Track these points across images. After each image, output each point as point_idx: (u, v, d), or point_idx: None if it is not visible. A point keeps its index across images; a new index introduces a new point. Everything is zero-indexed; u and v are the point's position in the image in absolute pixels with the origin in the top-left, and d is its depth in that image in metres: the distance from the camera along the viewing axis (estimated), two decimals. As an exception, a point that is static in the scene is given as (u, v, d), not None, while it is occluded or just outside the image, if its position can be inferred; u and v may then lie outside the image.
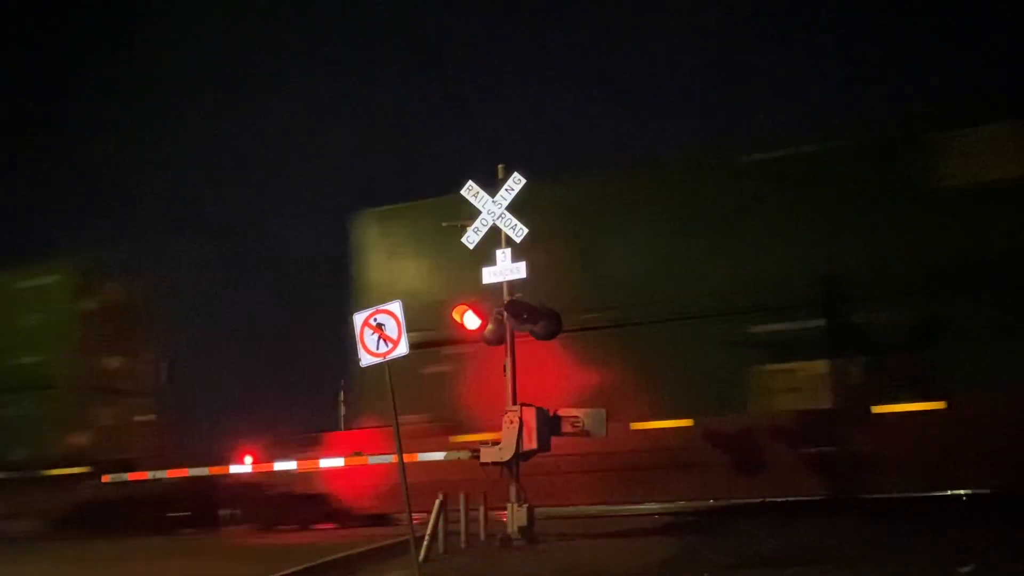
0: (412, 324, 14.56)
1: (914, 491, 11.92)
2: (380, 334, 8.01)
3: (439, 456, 11.38)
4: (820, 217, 12.49)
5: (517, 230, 10.78)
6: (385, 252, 15.85)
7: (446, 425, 13.74)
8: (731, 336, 12.51)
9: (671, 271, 13.10)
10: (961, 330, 11.33)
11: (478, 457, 10.52)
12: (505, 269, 10.83)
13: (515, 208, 10.89)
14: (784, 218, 12.69)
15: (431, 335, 13.50)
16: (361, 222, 16.20)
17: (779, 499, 12.69)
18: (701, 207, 13.22)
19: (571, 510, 13.13)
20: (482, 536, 10.31)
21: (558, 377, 12.70)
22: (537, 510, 10.48)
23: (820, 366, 12.25)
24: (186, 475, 13.40)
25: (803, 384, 12.18)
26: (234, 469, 13.11)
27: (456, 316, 10.92)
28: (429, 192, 15.79)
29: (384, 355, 8.00)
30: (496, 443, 10.35)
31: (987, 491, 11.58)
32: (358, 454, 12.47)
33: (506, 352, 10.75)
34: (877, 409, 11.61)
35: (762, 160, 13.10)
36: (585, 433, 10.51)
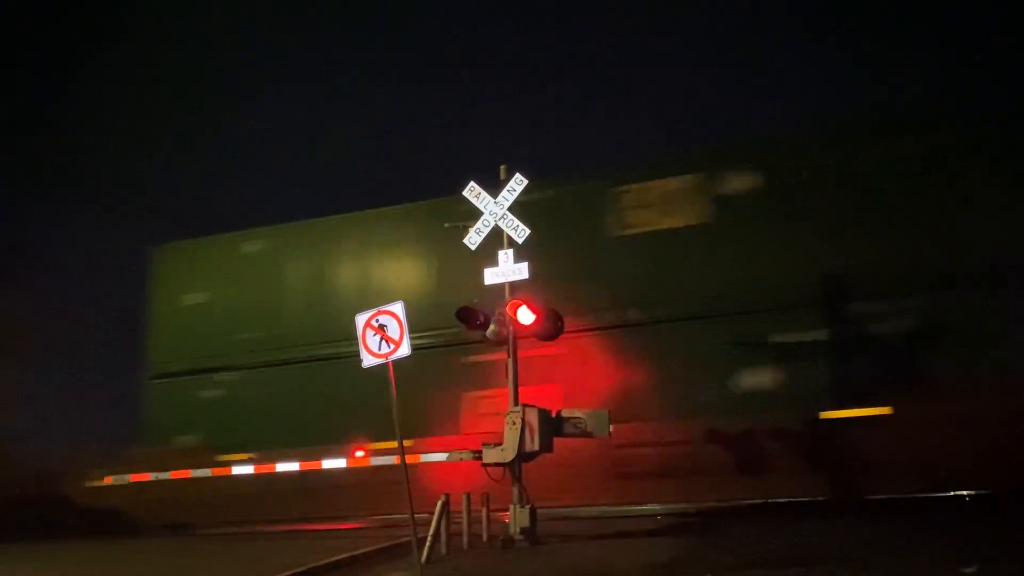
0: (196, 351, 16.71)
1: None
2: (382, 335, 8.01)
3: (441, 457, 11.38)
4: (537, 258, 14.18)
5: (519, 231, 10.79)
6: (178, 285, 17.21)
7: (217, 447, 15.14)
8: (447, 366, 14.14)
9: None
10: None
11: (480, 458, 10.52)
12: (507, 270, 10.83)
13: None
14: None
15: (209, 362, 15.92)
16: (157, 256, 17.50)
17: (782, 500, 12.76)
18: (422, 253, 15.33)
19: (571, 511, 13.17)
20: (484, 537, 10.31)
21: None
22: (540, 511, 10.49)
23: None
24: (188, 476, 13.43)
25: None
26: (237, 470, 13.13)
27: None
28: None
29: (386, 356, 8.00)
30: (498, 444, 10.35)
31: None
32: (361, 455, 12.48)
33: (508, 352, 10.74)
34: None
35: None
36: (587, 434, 10.52)
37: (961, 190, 12.20)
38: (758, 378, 12.62)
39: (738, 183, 13.32)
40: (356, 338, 8.14)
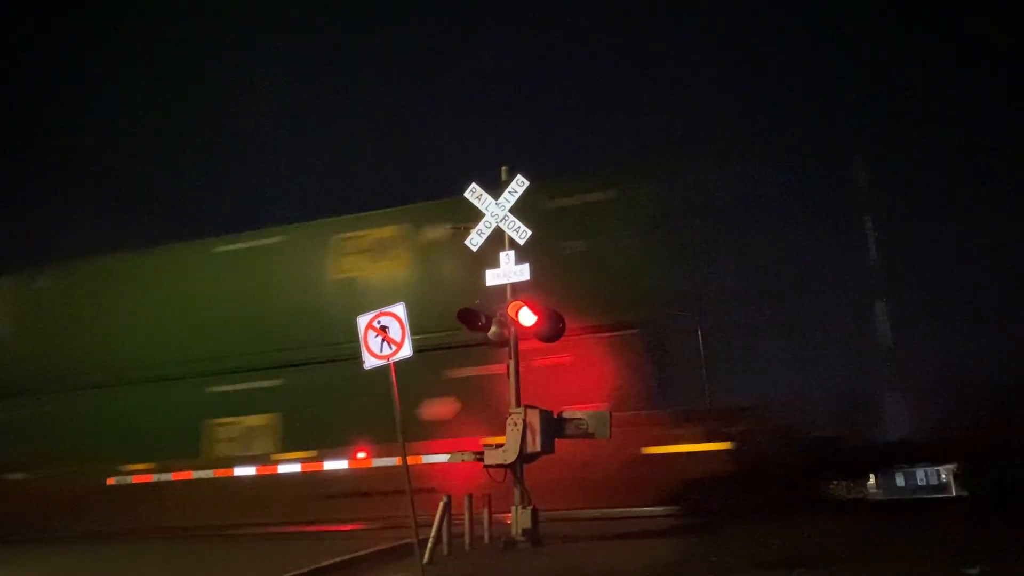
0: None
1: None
2: (384, 336, 8.01)
3: (443, 458, 11.39)
4: (269, 296, 15.76)
5: (521, 232, 10.80)
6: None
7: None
8: (191, 395, 15.60)
9: (148, 343, 16.43)
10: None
11: (482, 459, 10.51)
12: (509, 271, 10.83)
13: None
14: (244, 297, 16.01)
15: (22, 386, 17.21)
16: None
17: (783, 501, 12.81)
18: (178, 289, 16.75)
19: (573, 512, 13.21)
20: (486, 538, 10.31)
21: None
22: (542, 512, 10.49)
23: (255, 420, 15.29)
24: (190, 477, 13.46)
25: (240, 435, 15.18)
26: (238, 471, 13.14)
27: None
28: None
29: (387, 357, 8.00)
30: (499, 445, 10.34)
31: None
32: (362, 456, 12.49)
33: (509, 354, 10.74)
34: (276, 456, 14.68)
35: (229, 250, 16.56)
36: (589, 435, 10.51)
37: (604, 246, 13.90)
38: (439, 408, 14.14)
39: (433, 235, 15.08)
40: (358, 339, 8.13)
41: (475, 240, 11.03)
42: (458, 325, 13.11)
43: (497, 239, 10.86)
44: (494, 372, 13.26)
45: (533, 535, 10.10)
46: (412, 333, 13.86)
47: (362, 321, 8.14)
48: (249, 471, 13.55)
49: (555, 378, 13.10)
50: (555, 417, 10.50)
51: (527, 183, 10.89)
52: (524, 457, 10.19)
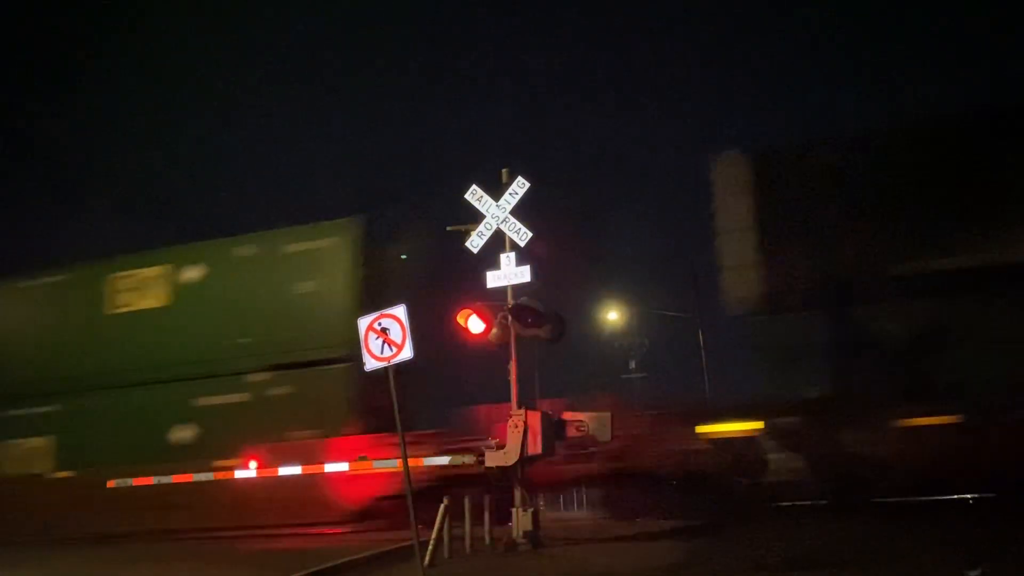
0: None
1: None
2: (384, 338, 7.98)
3: (444, 460, 11.38)
4: (55, 329, 17.00)
5: (521, 234, 10.79)
6: None
7: None
8: None
9: None
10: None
11: (483, 461, 10.50)
12: (509, 273, 10.83)
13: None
14: (35, 330, 17.25)
15: None
16: None
17: (785, 503, 12.80)
18: None
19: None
20: (487, 540, 10.29)
21: None
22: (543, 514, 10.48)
23: (36, 442, 16.40)
24: (190, 480, 13.42)
25: (24, 455, 16.33)
26: (239, 474, 13.09)
27: (460, 320, 10.88)
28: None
29: (388, 359, 7.97)
30: (500, 447, 10.33)
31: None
32: (363, 458, 12.45)
33: (510, 356, 10.74)
34: (59, 474, 15.89)
35: (28, 286, 17.63)
36: (590, 437, 10.51)
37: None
38: (184, 433, 15.21)
39: (188, 274, 16.33)
40: (359, 341, 8.10)
41: (475, 242, 11.02)
42: (208, 357, 15.33)
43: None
44: (235, 401, 14.98)
45: (534, 537, 10.10)
46: (168, 365, 15.55)
47: (363, 323, 8.09)
48: (250, 474, 13.53)
49: (281, 406, 14.45)
50: (556, 419, 10.50)
51: (527, 184, 10.88)
52: (524, 459, 10.18)
